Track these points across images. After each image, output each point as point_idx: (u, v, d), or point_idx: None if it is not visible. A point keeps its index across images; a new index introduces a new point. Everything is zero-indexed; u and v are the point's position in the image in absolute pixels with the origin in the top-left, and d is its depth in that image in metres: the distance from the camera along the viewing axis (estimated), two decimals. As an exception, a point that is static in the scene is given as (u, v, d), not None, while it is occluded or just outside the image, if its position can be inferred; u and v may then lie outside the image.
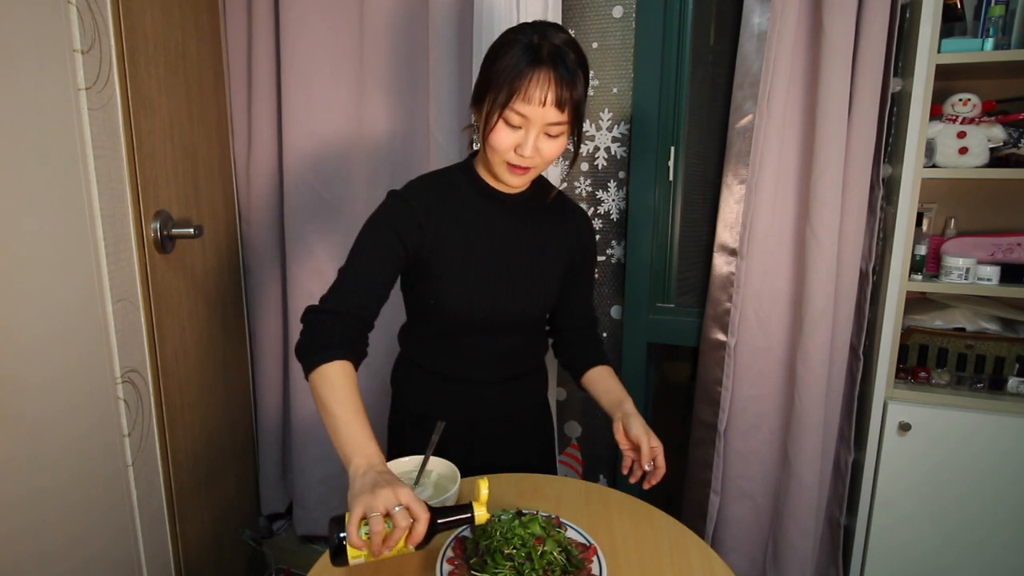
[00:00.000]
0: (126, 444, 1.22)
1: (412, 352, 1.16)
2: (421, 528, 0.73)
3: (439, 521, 0.76)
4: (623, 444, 1.02)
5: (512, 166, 0.96)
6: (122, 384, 1.20)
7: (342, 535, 0.72)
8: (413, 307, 1.13)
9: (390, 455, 1.17)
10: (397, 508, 0.72)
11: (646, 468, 0.98)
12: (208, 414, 1.57)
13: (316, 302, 0.94)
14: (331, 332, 0.93)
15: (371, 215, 1.02)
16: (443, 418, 1.07)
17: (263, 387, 1.86)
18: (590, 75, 0.95)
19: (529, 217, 1.08)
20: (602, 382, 1.14)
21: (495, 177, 1.02)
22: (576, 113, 0.93)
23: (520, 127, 0.92)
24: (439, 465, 1.01)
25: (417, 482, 0.97)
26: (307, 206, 1.70)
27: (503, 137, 0.93)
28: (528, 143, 0.92)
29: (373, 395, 1.74)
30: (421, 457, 1.00)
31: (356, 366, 0.93)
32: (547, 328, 1.24)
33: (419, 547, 0.75)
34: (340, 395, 0.87)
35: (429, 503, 0.77)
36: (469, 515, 0.78)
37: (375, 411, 1.70)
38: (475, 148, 1.09)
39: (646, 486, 1.00)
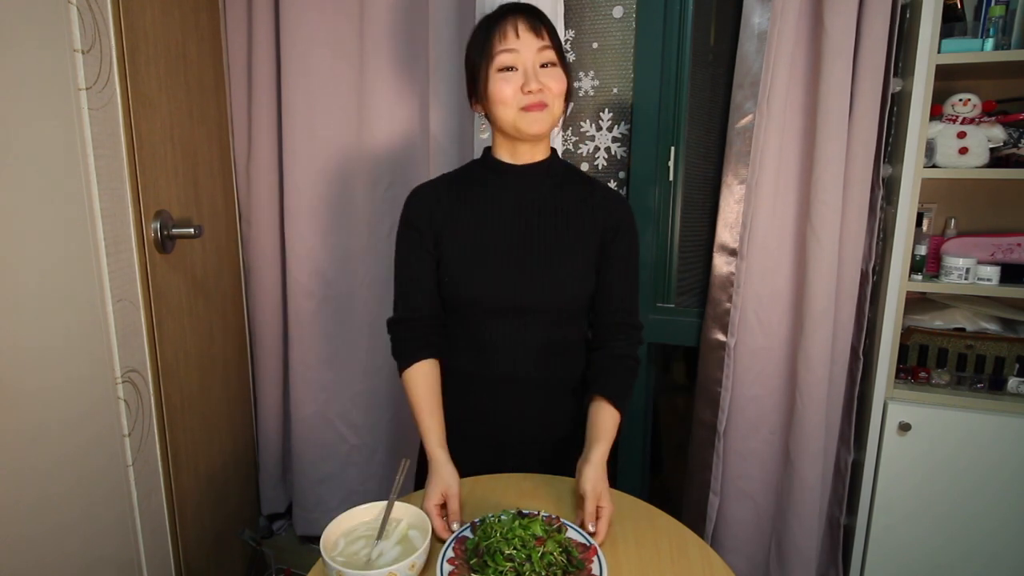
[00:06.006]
0: (126, 444, 1.22)
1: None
2: None
3: None
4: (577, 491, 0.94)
5: (526, 109, 0.96)
6: (122, 384, 1.19)
7: None
8: (442, 299, 1.08)
9: (420, 467, 1.15)
10: None
11: (589, 528, 0.88)
12: (208, 414, 1.57)
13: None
14: (405, 339, 1.06)
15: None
16: (472, 422, 1.06)
17: (263, 387, 1.86)
18: (560, 35, 1.01)
19: (550, 191, 1.04)
20: (591, 414, 1.03)
21: (519, 138, 1.01)
22: (556, 45, 0.98)
23: (513, 67, 0.95)
24: (408, 513, 0.86)
25: (381, 534, 0.83)
26: (307, 206, 1.70)
27: (503, 85, 0.95)
28: (530, 76, 0.95)
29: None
30: (383, 504, 0.86)
31: (435, 357, 1.06)
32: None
33: None
34: (416, 400, 1.03)
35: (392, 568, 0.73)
36: None
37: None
38: (489, 145, 1.10)
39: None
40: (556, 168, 1.07)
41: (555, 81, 0.96)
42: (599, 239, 1.05)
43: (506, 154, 1.04)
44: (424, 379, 1.04)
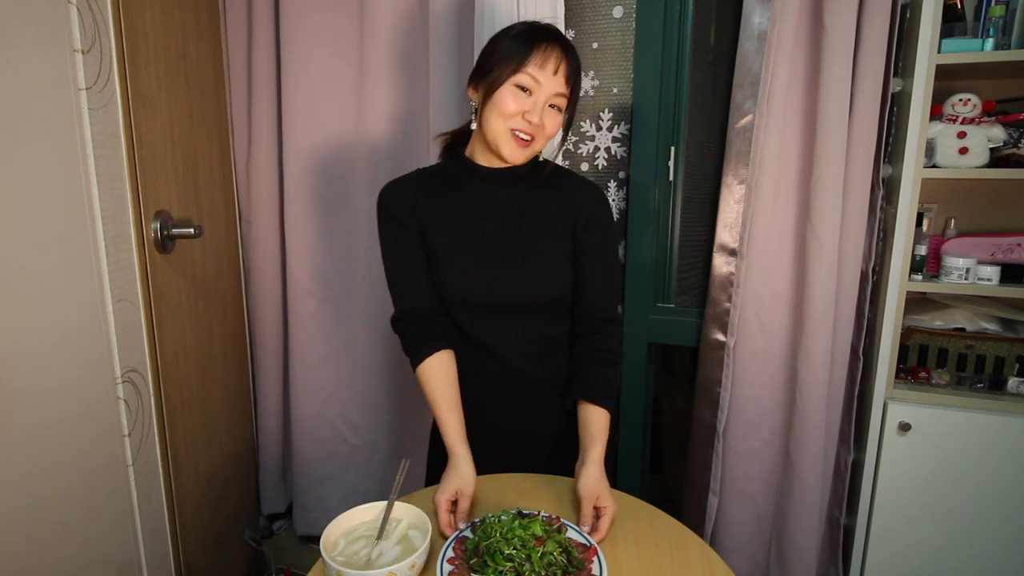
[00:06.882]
0: (126, 444, 1.22)
1: None
2: None
3: None
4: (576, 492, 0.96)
5: (516, 135, 0.97)
6: (122, 384, 1.19)
7: None
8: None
9: (431, 462, 1.17)
10: None
11: (583, 528, 0.90)
12: (208, 414, 1.57)
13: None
14: (414, 333, 1.05)
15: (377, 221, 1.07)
16: (468, 418, 1.04)
17: (263, 387, 1.86)
18: (582, 79, 1.00)
19: (524, 192, 1.05)
20: (581, 418, 1.04)
21: (493, 152, 1.01)
22: (573, 99, 1.00)
23: (529, 91, 0.95)
24: (408, 513, 0.87)
25: (381, 534, 0.83)
26: (307, 206, 1.70)
27: (511, 100, 0.95)
28: (537, 109, 0.95)
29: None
30: (384, 504, 0.87)
31: (448, 348, 1.04)
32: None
33: None
34: (432, 395, 1.03)
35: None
36: None
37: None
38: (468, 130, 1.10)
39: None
40: (531, 170, 1.07)
41: (552, 124, 0.99)
42: (571, 232, 1.05)
43: (483, 158, 1.05)
44: (439, 372, 1.03)
